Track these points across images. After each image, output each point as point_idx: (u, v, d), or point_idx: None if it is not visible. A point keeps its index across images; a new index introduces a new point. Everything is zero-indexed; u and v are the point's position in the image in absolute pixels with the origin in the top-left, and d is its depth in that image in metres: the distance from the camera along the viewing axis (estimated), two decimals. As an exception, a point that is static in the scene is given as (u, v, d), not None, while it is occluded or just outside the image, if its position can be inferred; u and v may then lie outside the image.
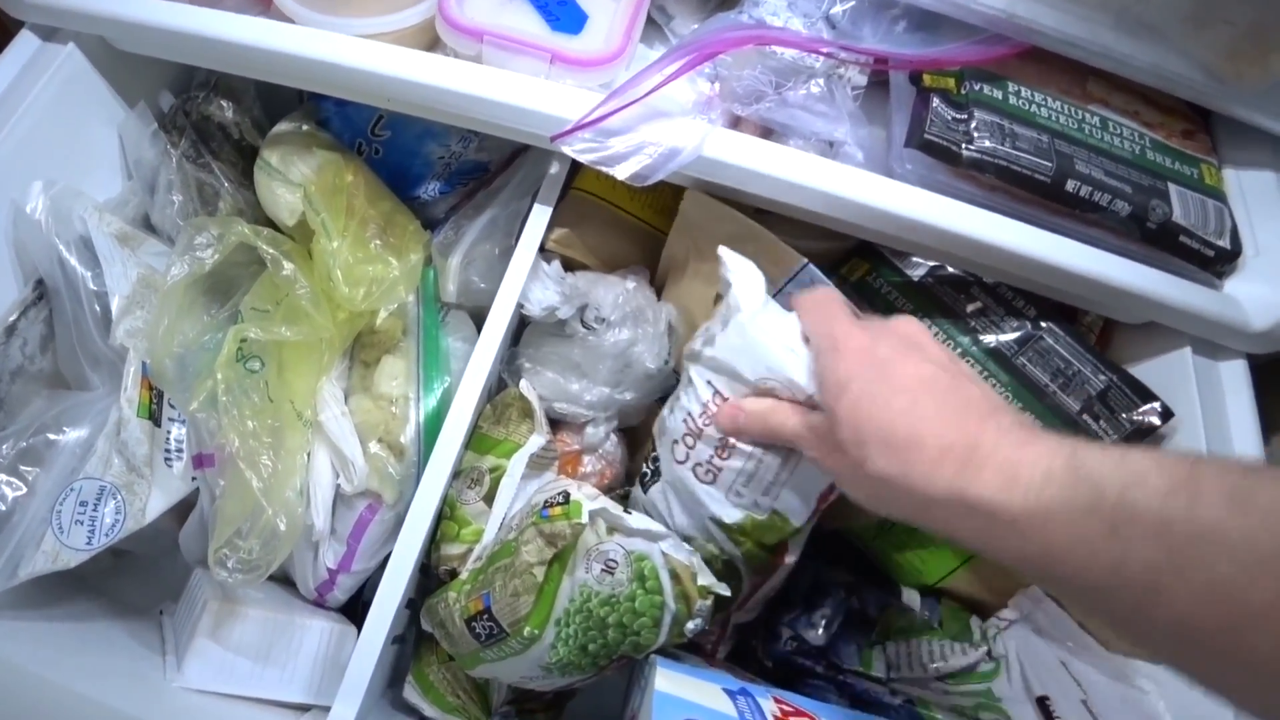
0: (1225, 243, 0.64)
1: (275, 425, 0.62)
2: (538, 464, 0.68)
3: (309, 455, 0.65)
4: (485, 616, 0.61)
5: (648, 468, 0.67)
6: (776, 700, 0.55)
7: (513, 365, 0.75)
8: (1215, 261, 0.64)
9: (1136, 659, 0.61)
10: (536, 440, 0.67)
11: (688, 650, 0.69)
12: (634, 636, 0.60)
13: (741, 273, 0.59)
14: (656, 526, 0.60)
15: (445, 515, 0.68)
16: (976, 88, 0.66)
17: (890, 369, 0.47)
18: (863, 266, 0.73)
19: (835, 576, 0.71)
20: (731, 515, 0.62)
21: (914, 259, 0.71)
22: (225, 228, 0.66)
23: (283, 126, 0.79)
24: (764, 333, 0.56)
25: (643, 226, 0.75)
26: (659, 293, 0.75)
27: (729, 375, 0.58)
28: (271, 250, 0.65)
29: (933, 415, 0.45)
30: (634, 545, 0.60)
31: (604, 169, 0.58)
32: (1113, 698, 0.60)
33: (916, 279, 0.71)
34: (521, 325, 0.78)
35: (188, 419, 0.67)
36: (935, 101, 0.64)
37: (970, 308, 0.69)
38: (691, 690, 0.54)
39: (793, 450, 0.57)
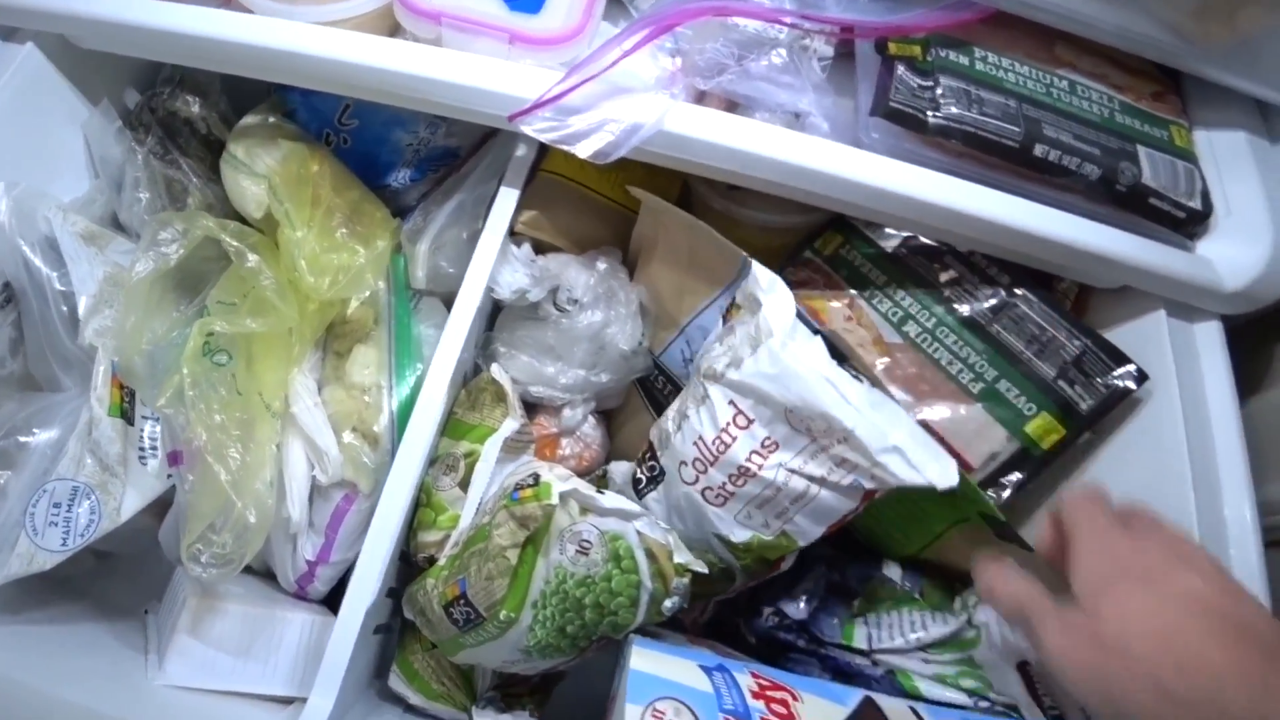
0: (1196, 204, 0.64)
1: (244, 418, 0.62)
2: (513, 448, 0.68)
3: (279, 447, 0.65)
4: (462, 602, 0.60)
5: (642, 474, 0.67)
6: (754, 675, 0.55)
7: (488, 350, 0.75)
8: (1187, 223, 0.64)
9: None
10: (510, 424, 0.67)
11: (669, 626, 0.69)
12: (612, 616, 0.60)
13: (773, 293, 0.58)
14: (631, 505, 0.60)
15: (422, 502, 0.67)
16: (942, 54, 0.66)
17: (1167, 577, 0.45)
18: (836, 239, 0.72)
19: (816, 550, 0.70)
20: (739, 536, 0.62)
21: (887, 230, 0.71)
22: (189, 222, 0.66)
23: (249, 119, 0.78)
24: (799, 361, 0.55)
25: (613, 207, 0.75)
26: (631, 273, 0.75)
27: (756, 399, 0.57)
28: (235, 243, 0.64)
29: (1218, 629, 0.42)
30: (608, 525, 0.59)
31: (565, 147, 0.58)
32: None
33: (890, 250, 0.71)
34: (496, 310, 0.77)
35: (160, 416, 0.67)
36: (900, 69, 0.64)
37: (944, 277, 0.69)
38: (668, 668, 0.53)
39: (813, 482, 0.57)
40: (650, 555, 0.59)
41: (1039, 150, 0.62)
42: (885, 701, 0.55)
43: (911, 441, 0.55)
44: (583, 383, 0.73)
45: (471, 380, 0.73)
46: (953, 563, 0.70)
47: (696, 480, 0.61)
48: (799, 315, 0.58)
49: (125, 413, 0.67)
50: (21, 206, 0.67)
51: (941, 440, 0.66)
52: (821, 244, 0.73)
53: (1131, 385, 0.64)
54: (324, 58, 0.60)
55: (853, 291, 0.71)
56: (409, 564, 0.70)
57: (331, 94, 0.75)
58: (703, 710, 0.51)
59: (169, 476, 0.67)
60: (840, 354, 0.60)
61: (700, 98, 0.65)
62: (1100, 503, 0.52)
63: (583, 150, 0.58)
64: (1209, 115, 0.70)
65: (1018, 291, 0.67)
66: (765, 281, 0.59)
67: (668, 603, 0.60)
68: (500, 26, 0.62)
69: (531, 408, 0.78)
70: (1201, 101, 0.71)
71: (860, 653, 0.65)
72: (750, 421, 0.58)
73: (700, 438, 0.60)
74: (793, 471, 0.58)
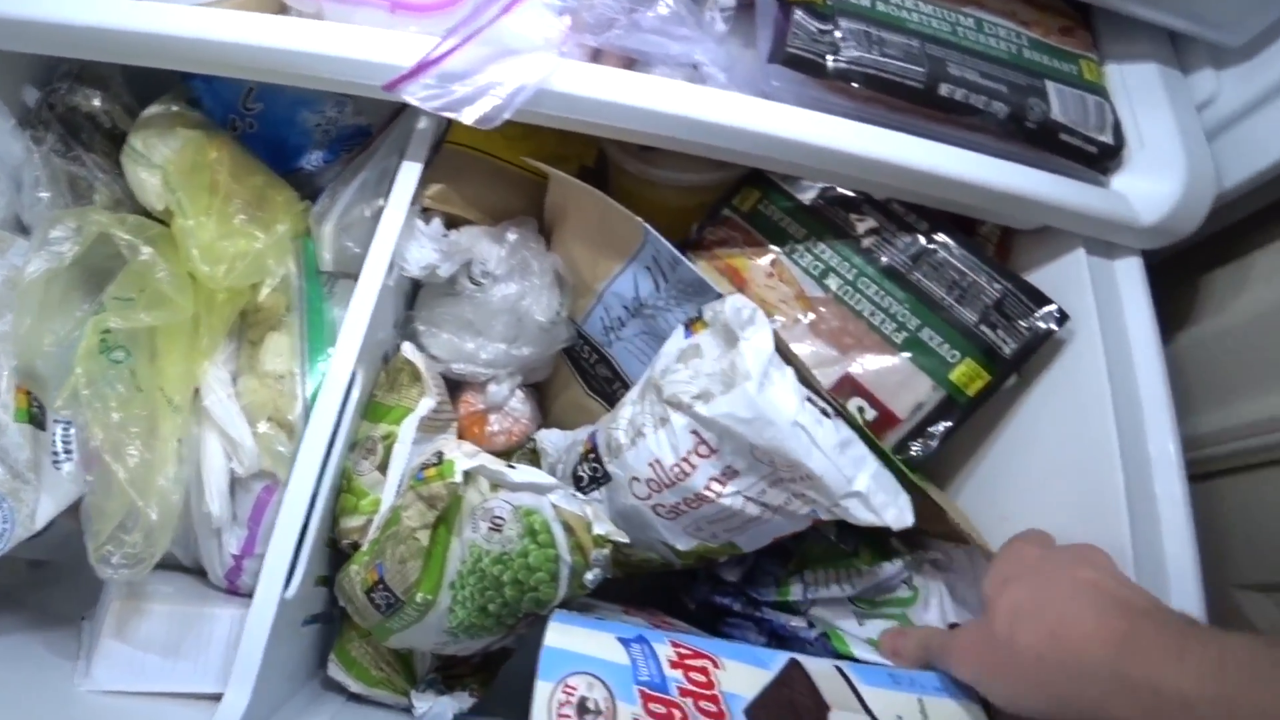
0: (1108, 138, 0.62)
1: (144, 415, 0.60)
2: (432, 427, 0.66)
3: (181, 441, 0.63)
4: (381, 586, 0.59)
5: (584, 472, 0.66)
6: (674, 645, 0.53)
7: (408, 329, 0.73)
8: (1099, 158, 0.62)
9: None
10: (426, 403, 0.66)
11: (605, 597, 0.68)
12: (533, 592, 0.59)
13: (751, 329, 0.56)
14: (544, 478, 0.59)
15: (343, 488, 0.66)
16: (843, -4, 0.64)
17: (1058, 569, 0.49)
18: (754, 195, 0.71)
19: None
20: (685, 544, 0.62)
21: (804, 182, 0.69)
22: (82, 219, 0.64)
23: (152, 110, 0.76)
24: (772, 408, 0.53)
25: (527, 176, 0.73)
26: (549, 242, 0.73)
27: (721, 435, 0.56)
28: (128, 237, 0.62)
29: (1093, 601, 0.46)
30: (521, 500, 0.58)
31: (450, 114, 0.56)
32: None
33: (807, 202, 0.69)
34: (417, 288, 0.76)
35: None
36: (798, 14, 0.62)
37: (862, 227, 0.67)
38: (583, 642, 0.52)
39: (768, 509, 0.58)
40: (567, 528, 0.58)
41: (944, 90, 0.60)
42: (811, 663, 0.54)
43: (874, 485, 0.54)
44: (504, 357, 0.71)
45: (390, 361, 0.71)
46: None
47: (649, 497, 0.60)
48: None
49: (34, 418, 0.65)
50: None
51: (868, 394, 0.65)
52: (740, 200, 0.71)
53: (1053, 326, 0.63)
54: (196, 39, 0.57)
55: (773, 247, 0.69)
56: (340, 551, 0.69)
57: (233, 79, 0.74)
58: (617, 683, 0.50)
59: (88, 480, 0.66)
60: (807, 375, 0.59)
61: (596, 56, 0.63)
62: (1035, 535, 0.56)
63: (467, 116, 0.56)
64: (1120, 48, 0.69)
65: (937, 238, 0.66)
66: (745, 314, 0.56)
67: (589, 575, 0.59)
68: (381, -6, 0.60)
69: (458, 386, 0.77)
70: (1112, 35, 0.70)
71: (794, 608, 0.65)
72: (713, 452, 0.56)
73: (658, 460, 0.58)
74: (749, 499, 0.57)
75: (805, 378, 0.57)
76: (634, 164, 0.72)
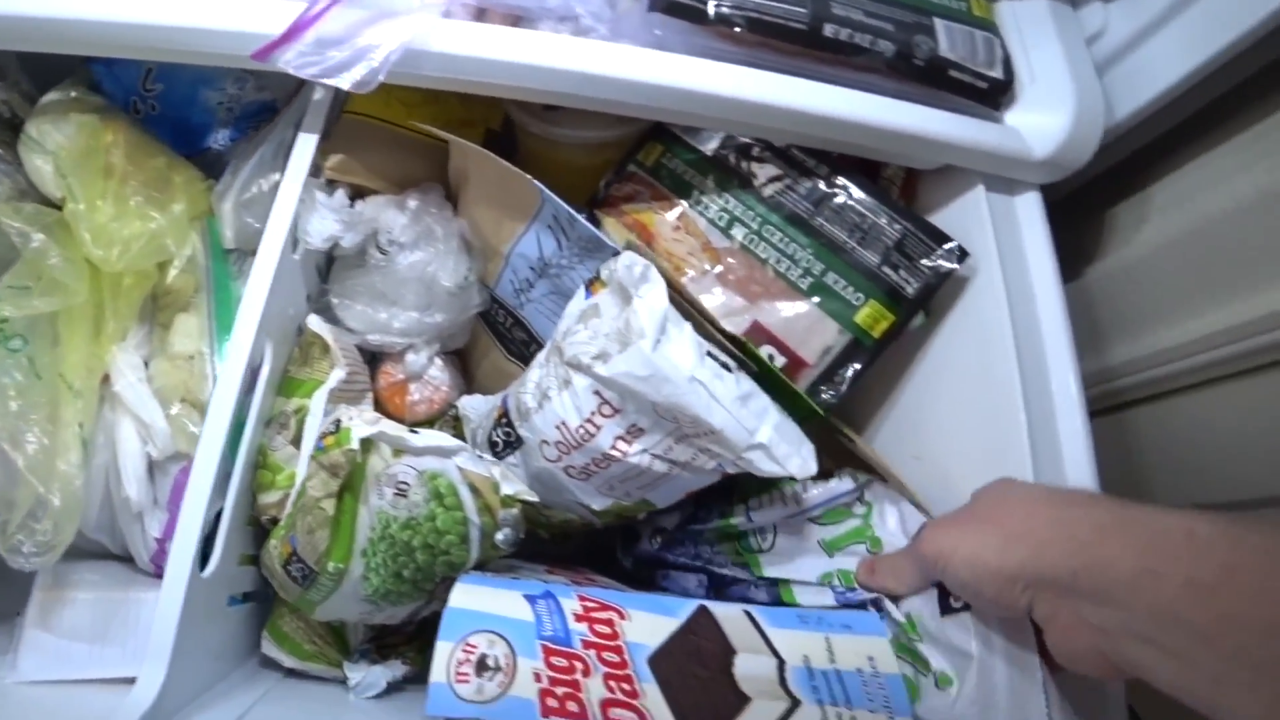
0: (998, 73, 0.62)
1: (44, 401, 0.60)
2: (345, 397, 0.66)
3: (83, 425, 0.63)
4: (295, 559, 0.60)
5: (498, 437, 0.66)
6: (581, 599, 0.54)
7: (322, 302, 0.73)
8: (990, 94, 0.62)
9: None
10: (336, 374, 0.65)
11: (533, 558, 0.69)
12: (445, 555, 0.59)
13: (645, 286, 0.55)
14: (448, 441, 0.59)
15: (260, 464, 0.66)
16: (724, -60, 0.63)
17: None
18: (657, 149, 0.71)
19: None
20: (600, 504, 0.62)
21: (705, 134, 0.69)
22: (-35, 209, 0.63)
23: (51, 96, 0.74)
24: (669, 364, 0.53)
25: (430, 142, 0.72)
26: (456, 206, 0.73)
27: (623, 394, 0.55)
28: (18, 225, 0.62)
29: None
30: (425, 464, 0.58)
31: (326, 81, 0.55)
32: None
33: (710, 153, 0.69)
34: (332, 261, 0.75)
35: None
36: (679, -39, 0.61)
37: (764, 175, 0.67)
38: (487, 601, 0.53)
39: (676, 465, 0.57)
40: (474, 490, 0.58)
41: (829, 30, 0.60)
42: (720, 608, 0.55)
43: (776, 436, 0.54)
44: (418, 325, 0.71)
45: (303, 336, 0.71)
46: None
47: (559, 459, 0.60)
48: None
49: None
50: None
51: (777, 341, 0.65)
52: (644, 155, 0.71)
53: (953, 264, 0.63)
54: (53, 18, 0.56)
55: (679, 201, 0.69)
56: (264, 528, 0.69)
57: (132, 61, 0.72)
58: (519, 639, 0.50)
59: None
60: (706, 327, 0.58)
61: (481, 16, 0.62)
62: None
63: (344, 82, 0.55)
64: (1012, -16, 0.69)
65: (837, 182, 0.66)
66: (638, 271, 0.56)
67: (499, 535, 0.59)
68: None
69: (378, 357, 0.76)
70: (1003, -30, 0.69)
71: (737, 533, 0.65)
72: (616, 411, 0.56)
73: (564, 423, 0.58)
74: (656, 457, 0.57)
75: (707, 333, 0.57)
76: (538, 125, 0.72)
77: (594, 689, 0.48)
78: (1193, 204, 0.66)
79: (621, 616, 0.53)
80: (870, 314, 0.64)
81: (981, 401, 0.62)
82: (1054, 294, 0.62)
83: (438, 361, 0.75)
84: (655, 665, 0.51)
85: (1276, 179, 0.59)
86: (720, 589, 0.66)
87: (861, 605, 0.60)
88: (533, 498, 0.60)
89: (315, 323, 0.67)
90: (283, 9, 0.55)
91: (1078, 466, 0.57)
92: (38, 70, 0.79)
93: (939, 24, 0.62)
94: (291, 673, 0.72)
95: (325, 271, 0.75)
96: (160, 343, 0.70)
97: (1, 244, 0.65)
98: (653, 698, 0.49)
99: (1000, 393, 0.60)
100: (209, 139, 0.80)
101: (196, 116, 0.79)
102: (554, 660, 0.49)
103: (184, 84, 0.77)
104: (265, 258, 0.62)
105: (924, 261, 0.63)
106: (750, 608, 0.56)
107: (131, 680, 0.64)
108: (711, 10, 0.59)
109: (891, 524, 0.61)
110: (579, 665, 0.49)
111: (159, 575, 0.71)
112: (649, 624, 0.53)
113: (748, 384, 0.55)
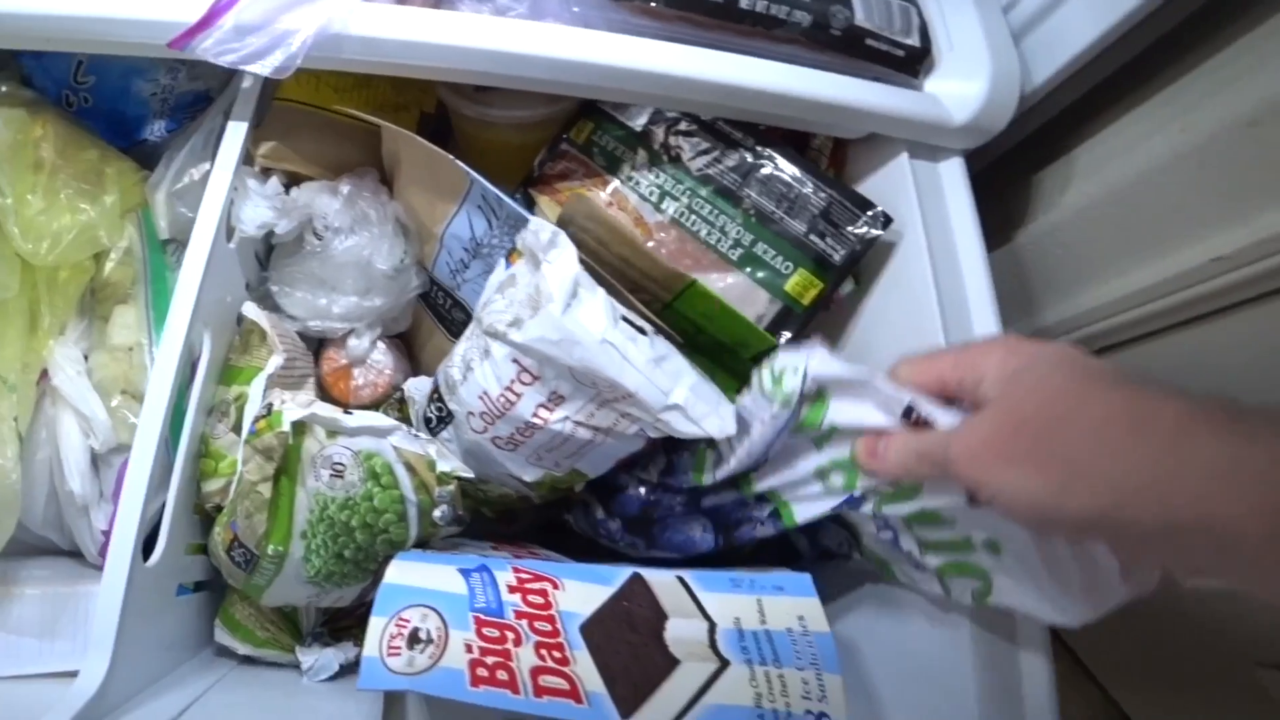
0: (914, 41, 0.63)
1: (-24, 397, 0.60)
2: (283, 383, 0.66)
3: (17, 420, 0.63)
4: (237, 544, 0.60)
5: (432, 413, 0.66)
6: (515, 570, 0.55)
7: (262, 289, 0.73)
8: (908, 62, 0.63)
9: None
10: (274, 360, 0.66)
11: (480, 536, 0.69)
12: (384, 534, 0.60)
13: (553, 252, 0.55)
14: (382, 421, 0.59)
15: (202, 453, 0.66)
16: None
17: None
18: (588, 126, 0.71)
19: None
20: (531, 475, 0.62)
21: (634, 109, 0.70)
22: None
23: (-22, 90, 0.74)
24: (579, 327, 0.53)
25: (362, 126, 0.72)
26: (391, 189, 0.73)
27: (541, 361, 0.56)
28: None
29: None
30: (360, 444, 0.59)
31: (246, 68, 0.55)
32: None
33: (639, 129, 0.70)
34: (272, 249, 0.75)
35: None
36: (595, -62, 0.61)
37: (692, 149, 0.68)
38: (422, 576, 0.54)
39: (599, 432, 0.57)
40: (410, 468, 0.59)
41: (744, 2, 0.61)
42: (653, 575, 0.56)
43: (692, 397, 0.54)
44: (357, 309, 0.71)
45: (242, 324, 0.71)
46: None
47: (485, 430, 0.61)
48: (581, 262, 0.55)
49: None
50: None
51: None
52: (575, 133, 0.71)
53: (878, 230, 0.64)
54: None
55: (611, 177, 0.70)
56: (211, 517, 0.69)
57: (62, 54, 0.72)
58: (452, 612, 0.51)
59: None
60: (623, 294, 0.58)
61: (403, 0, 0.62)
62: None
63: (263, 68, 0.55)
64: (927, -48, 0.69)
65: (764, 153, 0.67)
66: (545, 237, 0.56)
67: (436, 512, 0.60)
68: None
69: (322, 342, 0.77)
70: (921, -61, 0.70)
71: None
72: (535, 378, 0.57)
73: (485, 393, 0.59)
74: (579, 424, 0.58)
75: (627, 300, 0.58)
76: (469, 106, 0.72)
77: (525, 658, 0.49)
78: (1112, 166, 0.68)
79: (555, 586, 0.54)
80: (799, 282, 0.65)
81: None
82: (977, 256, 0.63)
83: (381, 345, 0.76)
84: (587, 632, 0.52)
85: (1188, 139, 0.61)
86: (727, 530, 0.64)
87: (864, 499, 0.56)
88: (468, 474, 0.61)
89: (251, 310, 0.67)
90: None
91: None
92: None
93: (856, -7, 0.63)
94: (247, 660, 0.72)
95: (266, 259, 0.76)
96: (99, 335, 0.71)
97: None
98: (583, 664, 0.50)
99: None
100: (145, 130, 0.80)
101: (131, 108, 0.78)
102: (486, 631, 0.50)
103: (116, 76, 0.77)
104: (197, 247, 0.62)
105: (850, 229, 0.64)
106: (684, 573, 0.57)
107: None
108: (627, -15, 0.60)
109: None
110: (510, 635, 0.50)
111: (109, 567, 0.72)
112: (582, 593, 0.54)
113: (663, 346, 0.56)
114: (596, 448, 0.59)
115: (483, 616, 0.51)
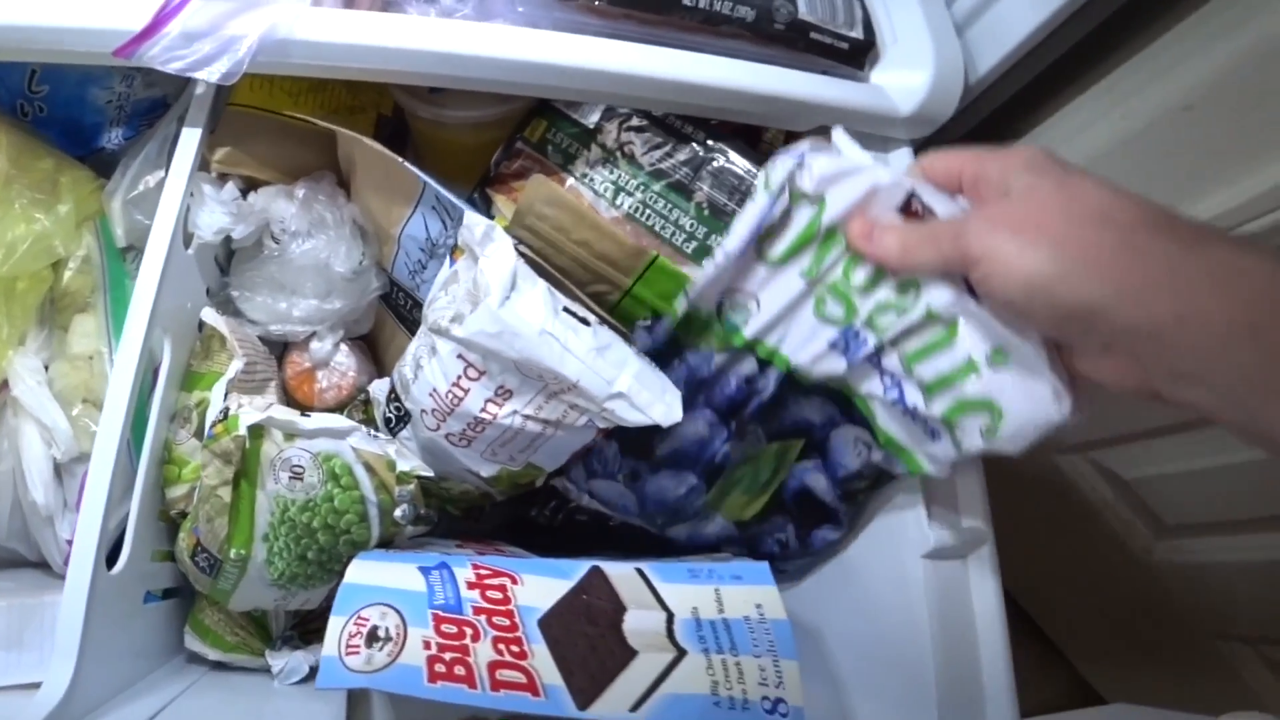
0: (858, 33, 0.64)
1: (-65, 409, 0.60)
2: (244, 388, 0.67)
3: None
4: (200, 549, 0.61)
5: (391, 413, 0.67)
6: (475, 567, 0.56)
7: (223, 295, 0.73)
8: (853, 54, 0.64)
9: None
10: (234, 365, 0.66)
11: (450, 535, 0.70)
12: (346, 535, 0.60)
13: (489, 246, 0.56)
14: (340, 422, 0.60)
15: (166, 459, 0.67)
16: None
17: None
18: (542, 124, 0.72)
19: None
20: (488, 470, 0.63)
21: (587, 107, 0.70)
22: None
23: (-71, 103, 0.74)
24: (517, 319, 0.53)
25: (317, 130, 0.72)
26: (349, 192, 0.73)
27: (485, 355, 0.56)
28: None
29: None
30: (318, 446, 0.59)
31: (194, 74, 0.56)
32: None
33: (592, 126, 0.70)
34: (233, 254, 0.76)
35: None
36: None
37: (644, 144, 0.69)
38: (381, 575, 0.54)
39: (549, 424, 0.57)
40: (369, 469, 0.60)
41: (687, -1, 0.61)
42: (612, 568, 0.57)
43: (636, 385, 0.55)
44: (318, 312, 0.72)
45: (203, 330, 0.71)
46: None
47: (438, 428, 0.61)
48: (519, 252, 0.56)
49: None
50: None
51: (667, 306, 0.67)
52: (529, 131, 0.72)
53: (827, 221, 0.65)
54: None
55: (566, 174, 0.70)
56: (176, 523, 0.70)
57: (15, 62, 0.72)
58: (411, 609, 0.52)
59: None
60: (566, 286, 0.59)
61: (350, 3, 0.62)
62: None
63: (210, 75, 0.56)
64: (869, -54, 0.70)
65: (715, 146, 0.68)
66: (480, 231, 0.57)
67: (398, 512, 0.61)
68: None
69: (286, 347, 0.77)
70: (862, -68, 0.71)
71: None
72: (481, 373, 0.57)
73: (434, 390, 0.59)
74: (528, 417, 0.58)
75: (570, 291, 0.58)
76: (424, 108, 0.72)
77: (482, 653, 0.50)
78: (1058, 152, 0.68)
79: (514, 581, 0.55)
80: (752, 273, 0.65)
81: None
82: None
83: (343, 348, 0.76)
84: (545, 626, 0.52)
85: (1128, 125, 0.62)
86: (735, 413, 0.64)
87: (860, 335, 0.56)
88: (427, 472, 0.61)
89: (210, 315, 0.68)
90: (146, 4, 0.56)
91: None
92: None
93: (798, -12, 0.64)
94: (218, 665, 0.73)
95: (228, 264, 0.76)
96: (60, 345, 0.71)
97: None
98: (541, 657, 0.50)
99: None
100: (102, 138, 0.80)
101: (87, 116, 0.78)
102: (444, 627, 0.51)
103: (71, 84, 0.76)
104: (153, 254, 0.62)
105: (800, 220, 0.65)
106: (642, 564, 0.58)
107: (41, 685, 0.66)
108: (572, -16, 0.61)
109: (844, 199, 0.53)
110: (469, 631, 0.51)
111: (75, 577, 0.72)
112: (541, 587, 0.55)
113: (607, 336, 0.56)
114: (548, 440, 0.59)
115: (441, 613, 0.52)
